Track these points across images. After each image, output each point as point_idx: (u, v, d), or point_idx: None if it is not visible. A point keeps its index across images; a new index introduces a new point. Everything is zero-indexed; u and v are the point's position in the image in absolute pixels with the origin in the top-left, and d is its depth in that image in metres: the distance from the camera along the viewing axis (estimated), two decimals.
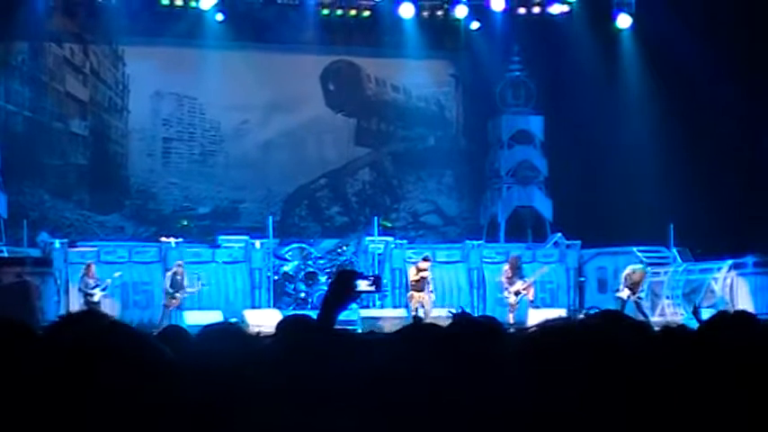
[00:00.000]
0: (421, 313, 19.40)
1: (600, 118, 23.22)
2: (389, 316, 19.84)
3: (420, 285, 19.65)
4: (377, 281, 4.78)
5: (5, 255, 20.39)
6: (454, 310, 14.53)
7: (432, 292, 19.87)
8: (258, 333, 4.73)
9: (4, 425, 3.30)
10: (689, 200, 21.24)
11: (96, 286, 19.26)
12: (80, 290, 19.44)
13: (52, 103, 23.26)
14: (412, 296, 19.64)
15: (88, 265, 19.44)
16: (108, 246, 21.20)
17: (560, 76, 23.38)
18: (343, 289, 4.59)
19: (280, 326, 4.12)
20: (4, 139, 21.89)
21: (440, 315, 18.83)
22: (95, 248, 20.78)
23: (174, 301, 19.52)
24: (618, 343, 2.94)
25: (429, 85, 25.56)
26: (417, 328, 3.95)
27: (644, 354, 3.00)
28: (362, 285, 4.66)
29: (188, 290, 19.78)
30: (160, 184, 23.95)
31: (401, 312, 19.89)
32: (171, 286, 19.54)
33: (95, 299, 19.20)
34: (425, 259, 20.14)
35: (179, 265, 19.86)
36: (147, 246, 21.48)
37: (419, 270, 19.79)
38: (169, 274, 19.78)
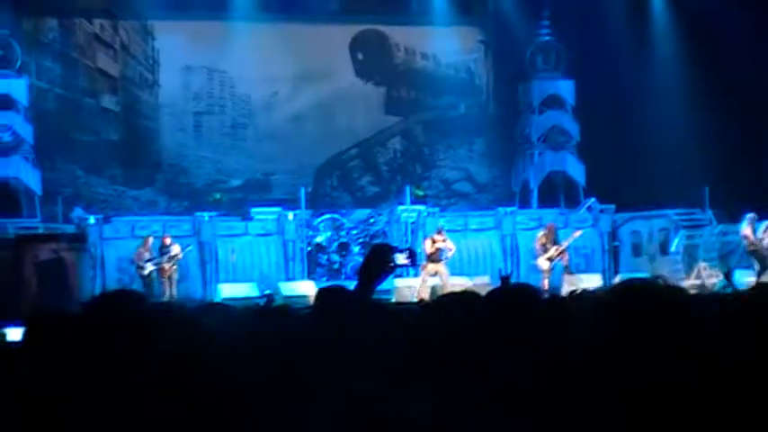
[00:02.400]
0: (431, 282, 19.35)
1: (631, 81, 23.06)
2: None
3: (436, 256, 19.64)
4: (412, 254, 4.79)
5: (41, 231, 20.57)
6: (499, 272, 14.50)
7: (446, 260, 19.81)
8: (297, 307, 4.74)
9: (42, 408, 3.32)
10: (724, 162, 21.10)
11: (150, 260, 19.43)
12: (132, 261, 19.61)
13: (83, 80, 23.34)
14: (425, 266, 19.58)
15: (146, 239, 19.62)
16: (142, 220, 21.32)
17: (590, 40, 23.18)
18: (378, 263, 4.58)
19: (318, 296, 4.12)
20: (37, 116, 22.01)
21: (468, 284, 18.85)
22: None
23: (164, 272, 19.52)
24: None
25: (458, 52, 25.42)
26: (454, 298, 3.94)
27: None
28: (398, 259, 4.67)
29: (179, 255, 19.71)
30: (192, 158, 24.02)
31: (435, 281, 19.89)
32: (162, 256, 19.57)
33: (146, 272, 19.37)
34: (439, 231, 20.14)
35: (165, 237, 19.84)
36: (180, 219, 21.57)
37: (434, 242, 19.80)
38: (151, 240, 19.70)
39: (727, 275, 18.04)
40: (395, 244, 21.84)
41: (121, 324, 3.68)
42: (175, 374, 3.36)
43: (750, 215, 18.60)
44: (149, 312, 3.81)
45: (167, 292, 19.28)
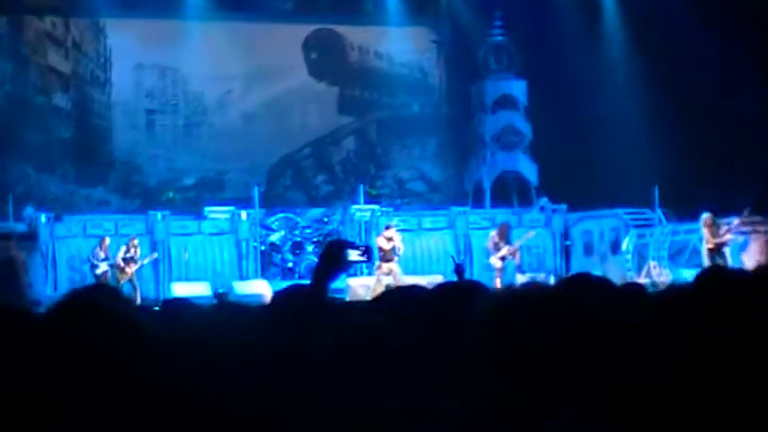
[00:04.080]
0: (386, 281, 19.29)
1: (583, 81, 23.22)
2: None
3: (390, 255, 19.57)
4: (367, 251, 4.81)
5: None
6: (452, 258, 14.50)
7: (398, 258, 19.74)
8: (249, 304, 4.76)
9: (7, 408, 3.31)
10: (674, 161, 21.31)
11: (105, 260, 19.32)
12: (88, 260, 19.51)
13: (34, 77, 23.15)
14: (380, 266, 19.53)
15: (103, 239, 19.52)
16: (94, 219, 21.18)
17: (543, 40, 23.32)
18: (333, 259, 4.61)
19: (276, 296, 4.16)
20: None
21: (422, 282, 18.89)
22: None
23: (124, 274, 19.44)
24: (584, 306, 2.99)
25: (411, 51, 25.51)
26: (402, 292, 3.99)
27: (606, 313, 3.05)
28: (353, 255, 4.68)
29: (140, 261, 19.68)
30: (144, 157, 23.90)
31: (389, 279, 19.93)
32: (123, 259, 19.47)
33: (98, 271, 19.27)
34: (388, 227, 20.09)
35: (132, 239, 19.77)
36: (133, 218, 21.45)
37: (388, 239, 19.77)
38: (123, 247, 19.64)
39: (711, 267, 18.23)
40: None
41: (91, 324, 3.67)
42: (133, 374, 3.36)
43: (705, 215, 18.77)
44: (120, 312, 3.82)
45: (133, 294, 19.11)
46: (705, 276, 3.58)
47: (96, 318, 3.74)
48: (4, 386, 3.36)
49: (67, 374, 3.32)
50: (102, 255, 19.42)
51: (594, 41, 23.99)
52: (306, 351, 3.39)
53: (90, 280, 19.31)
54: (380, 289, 19.28)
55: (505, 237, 20.52)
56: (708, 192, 19.90)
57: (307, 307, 4.02)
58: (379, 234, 20.46)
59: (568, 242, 23.09)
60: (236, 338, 3.61)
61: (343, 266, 4.73)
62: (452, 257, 15.05)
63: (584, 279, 4.11)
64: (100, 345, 3.52)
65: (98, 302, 3.86)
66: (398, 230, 20.19)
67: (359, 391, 3.08)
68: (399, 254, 19.86)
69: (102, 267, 19.33)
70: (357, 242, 18.98)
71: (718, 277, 3.54)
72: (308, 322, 3.77)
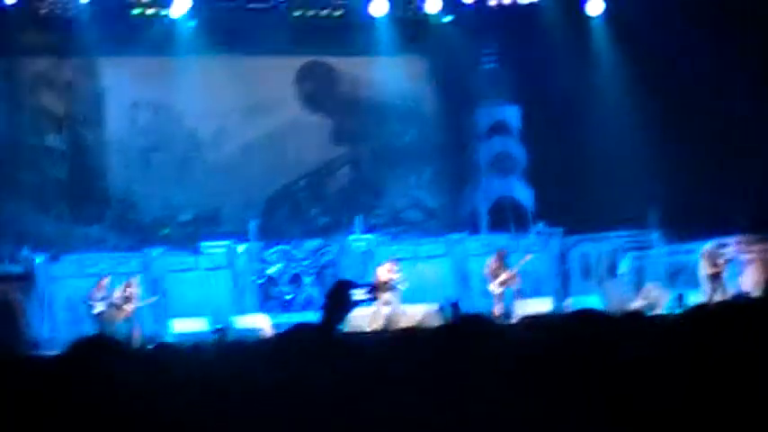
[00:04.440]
0: (384, 311, 19.15)
1: (576, 105, 23.29)
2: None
3: (390, 285, 19.57)
4: (373, 289, 4.86)
5: None
6: (441, 307, 14.46)
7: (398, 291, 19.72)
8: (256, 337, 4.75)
9: None
10: (670, 183, 21.32)
11: (103, 299, 19.26)
12: (85, 300, 19.45)
13: (28, 119, 23.15)
14: (379, 295, 19.45)
15: (101, 279, 19.48)
16: (91, 257, 21.13)
17: (535, 65, 23.40)
18: (340, 299, 4.63)
19: (283, 333, 4.14)
20: None
21: (420, 312, 18.87)
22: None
23: (122, 312, 19.38)
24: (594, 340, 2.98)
25: (404, 80, 25.53)
26: (411, 332, 3.98)
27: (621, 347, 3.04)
28: (359, 294, 4.73)
29: (141, 303, 19.64)
30: (140, 194, 23.87)
31: (386, 309, 19.88)
32: (121, 299, 19.43)
33: (96, 311, 19.21)
34: (392, 261, 20.11)
35: (132, 279, 19.75)
36: (129, 256, 21.41)
37: (389, 271, 19.75)
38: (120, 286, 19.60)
39: (680, 299, 18.27)
40: (350, 277, 21.82)
41: (95, 374, 3.68)
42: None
43: (707, 246, 18.83)
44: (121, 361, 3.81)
45: (131, 333, 19.02)
46: (691, 314, 3.62)
47: (97, 368, 3.75)
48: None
49: (73, 418, 3.32)
50: (99, 295, 19.36)
51: (586, 65, 24.05)
52: (311, 386, 3.40)
53: (87, 320, 19.26)
54: (380, 319, 19.25)
55: (503, 263, 20.51)
56: (706, 210, 19.92)
57: (314, 343, 4.02)
58: (380, 264, 20.41)
59: (566, 266, 23.05)
60: (239, 374, 3.61)
61: (349, 306, 4.78)
62: (443, 302, 14.98)
63: (587, 314, 4.11)
64: (102, 390, 3.53)
65: (98, 356, 3.87)
66: (399, 269, 20.14)
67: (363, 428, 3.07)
68: (401, 288, 19.78)
69: (99, 307, 19.27)
70: (360, 279, 18.96)
71: (703, 314, 3.57)
72: (315, 358, 3.76)
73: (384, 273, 19.79)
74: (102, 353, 3.96)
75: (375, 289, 13.70)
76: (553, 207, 23.07)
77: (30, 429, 3.40)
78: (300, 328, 4.22)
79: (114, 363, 3.82)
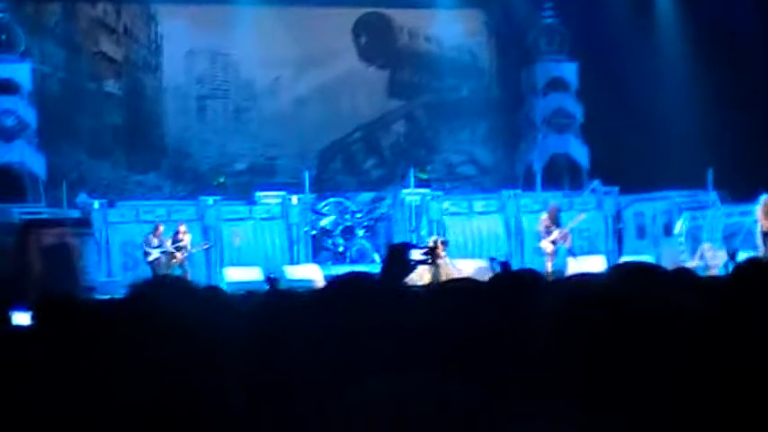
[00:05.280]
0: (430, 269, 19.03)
1: (635, 63, 23.01)
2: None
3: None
4: (430, 251, 4.87)
5: (46, 216, 20.59)
6: (492, 261, 14.46)
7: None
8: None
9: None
10: (728, 143, 21.06)
11: (159, 246, 19.45)
12: (141, 246, 19.65)
13: (86, 64, 23.33)
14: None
15: (157, 226, 19.65)
16: (146, 205, 21.34)
17: (594, 22, 23.13)
18: (398, 261, 4.62)
19: (334, 283, 4.12)
20: (40, 101, 21.99)
21: (471, 267, 18.86)
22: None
23: (175, 259, 19.54)
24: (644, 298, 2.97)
25: (461, 34, 25.38)
26: (458, 284, 3.98)
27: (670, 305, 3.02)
28: (415, 255, 4.72)
29: (191, 249, 19.77)
30: (196, 143, 24.02)
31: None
32: (174, 246, 19.57)
33: (151, 258, 19.40)
34: (443, 242, 19.97)
35: (180, 224, 19.87)
36: (184, 204, 21.59)
37: (436, 247, 19.66)
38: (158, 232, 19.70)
39: (733, 256, 18.06)
40: (402, 231, 21.87)
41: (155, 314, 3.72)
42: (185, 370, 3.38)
43: (765, 197, 18.53)
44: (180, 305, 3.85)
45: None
46: (742, 269, 3.58)
47: (157, 310, 3.79)
48: (67, 375, 3.40)
49: (132, 360, 3.36)
50: (155, 242, 19.54)
51: (646, 22, 23.74)
52: (361, 335, 3.40)
53: (143, 266, 19.49)
54: (428, 276, 19.26)
55: (555, 220, 20.43)
56: (764, 172, 19.65)
57: (365, 292, 4.02)
58: (433, 237, 20.40)
59: (620, 225, 22.92)
60: (291, 322, 3.64)
61: (407, 267, 4.77)
62: (493, 259, 14.98)
63: (633, 267, 4.09)
64: (160, 333, 3.57)
65: (164, 294, 3.92)
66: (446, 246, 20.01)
67: (412, 382, 3.07)
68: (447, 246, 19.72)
69: (155, 254, 19.46)
70: (412, 233, 18.87)
71: (754, 271, 3.53)
72: (369, 311, 3.76)
73: (432, 243, 19.67)
74: (163, 293, 4.00)
75: (433, 250, 13.68)
76: (609, 165, 22.91)
77: (90, 372, 3.41)
78: (353, 276, 4.21)
79: (172, 305, 3.84)
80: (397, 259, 4.65)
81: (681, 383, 2.63)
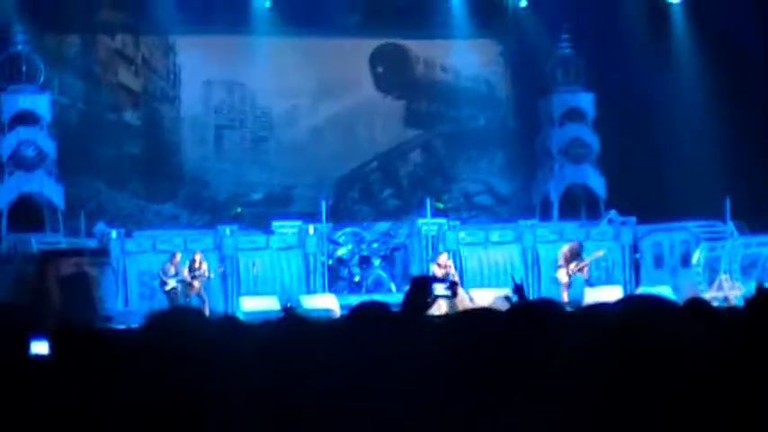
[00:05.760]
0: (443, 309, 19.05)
1: (651, 93, 23.02)
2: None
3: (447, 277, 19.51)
4: (452, 285, 4.92)
5: (64, 246, 20.66)
6: (509, 292, 14.38)
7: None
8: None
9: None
10: (745, 173, 21.02)
11: (175, 275, 19.49)
12: (158, 275, 19.70)
13: (105, 95, 23.48)
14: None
15: (174, 254, 19.71)
16: (164, 234, 21.39)
17: (610, 52, 23.15)
18: (420, 294, 4.63)
19: (354, 312, 4.12)
20: (59, 131, 22.11)
21: (487, 297, 18.82)
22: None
23: (193, 289, 19.58)
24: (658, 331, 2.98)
25: (477, 65, 25.44)
26: (478, 315, 3.98)
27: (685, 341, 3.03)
28: (438, 290, 4.76)
29: (208, 274, 19.80)
30: (213, 172, 24.11)
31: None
32: (191, 275, 19.60)
33: (168, 287, 19.44)
34: (441, 255, 20.18)
35: (196, 253, 19.91)
36: (202, 233, 21.63)
37: (440, 266, 19.73)
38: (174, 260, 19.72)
39: (761, 287, 17.94)
40: (418, 261, 21.85)
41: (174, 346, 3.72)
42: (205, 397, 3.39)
43: None
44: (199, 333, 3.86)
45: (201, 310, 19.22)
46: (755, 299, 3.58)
47: (178, 339, 3.80)
48: (89, 404, 3.42)
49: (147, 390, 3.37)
50: (172, 270, 19.58)
51: (662, 53, 23.75)
52: (379, 364, 3.43)
53: (160, 295, 19.53)
54: (444, 307, 19.20)
55: (577, 255, 20.44)
56: None
57: (383, 321, 4.02)
58: (433, 261, 20.41)
59: (638, 255, 22.83)
60: (308, 351, 3.67)
61: (429, 302, 4.80)
62: (512, 277, 14.94)
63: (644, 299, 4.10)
64: (176, 363, 3.58)
65: (180, 324, 3.92)
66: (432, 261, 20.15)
67: (436, 410, 3.07)
68: (455, 279, 19.68)
69: (171, 283, 19.50)
70: (429, 264, 18.82)
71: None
72: (385, 336, 3.76)
73: (437, 269, 19.69)
74: (178, 325, 4.00)
75: (456, 285, 13.59)
76: (625, 195, 22.87)
77: (105, 401, 3.40)
78: (370, 306, 4.21)
79: (188, 335, 3.85)
80: (420, 292, 4.67)
81: (690, 414, 2.64)
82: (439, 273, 19.54)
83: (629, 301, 4.20)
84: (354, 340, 3.83)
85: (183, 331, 3.92)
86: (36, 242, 20.46)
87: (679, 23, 24.14)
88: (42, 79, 21.86)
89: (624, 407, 2.76)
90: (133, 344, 4.00)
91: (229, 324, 4.28)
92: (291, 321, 4.60)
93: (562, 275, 20.22)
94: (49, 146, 21.66)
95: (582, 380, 2.89)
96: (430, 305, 4.77)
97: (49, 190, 21.57)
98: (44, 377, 3.75)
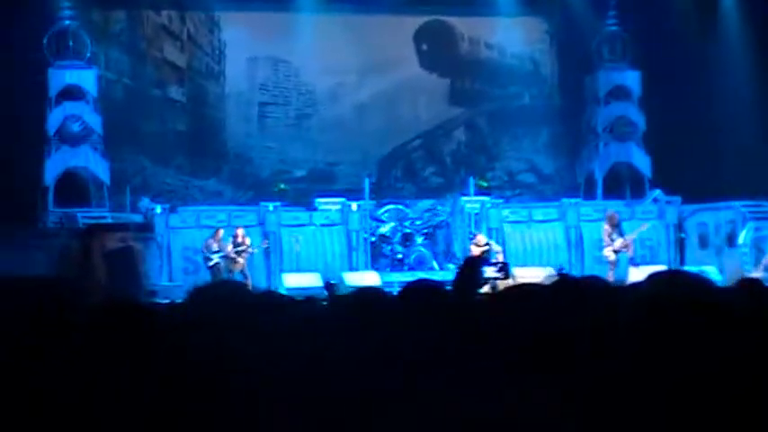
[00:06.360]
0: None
1: (698, 71, 22.78)
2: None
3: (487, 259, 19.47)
4: (504, 267, 4.91)
5: (109, 221, 20.83)
6: (553, 271, 14.42)
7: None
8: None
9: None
10: None
11: (218, 251, 19.59)
12: (201, 251, 19.82)
13: (151, 71, 23.58)
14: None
15: (216, 230, 19.80)
16: (207, 210, 21.49)
17: (657, 29, 22.93)
18: (470, 276, 4.63)
19: (406, 290, 4.12)
20: (105, 107, 22.25)
21: (531, 276, 18.74)
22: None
23: (236, 264, 19.65)
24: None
25: (523, 42, 25.29)
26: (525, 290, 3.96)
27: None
28: (489, 272, 4.79)
29: (251, 249, 19.87)
30: (257, 149, 24.17)
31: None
32: (235, 251, 19.66)
33: (211, 263, 19.55)
34: (475, 236, 20.25)
35: (238, 229, 19.97)
36: (245, 209, 21.71)
37: (478, 246, 19.69)
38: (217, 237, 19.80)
39: None
40: (461, 238, 21.82)
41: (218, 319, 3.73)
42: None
43: None
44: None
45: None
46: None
47: (216, 314, 3.81)
48: (129, 380, 3.43)
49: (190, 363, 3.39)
50: (215, 246, 19.68)
51: (710, 30, 23.47)
52: (423, 341, 3.41)
53: (204, 271, 19.63)
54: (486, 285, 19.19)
55: (616, 226, 20.31)
56: None
57: (430, 299, 4.01)
58: (472, 241, 20.39)
59: (683, 235, 22.65)
60: (350, 328, 3.66)
61: (479, 284, 4.80)
62: (558, 269, 14.94)
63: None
64: (219, 337, 3.59)
65: (223, 297, 3.94)
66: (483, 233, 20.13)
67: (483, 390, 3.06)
68: (498, 257, 19.60)
69: (215, 259, 19.61)
70: (492, 258, 18.84)
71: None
72: (440, 318, 3.75)
73: (475, 249, 19.65)
74: (220, 299, 4.01)
75: (507, 266, 13.49)
76: (671, 174, 22.70)
77: (150, 375, 3.43)
78: (418, 284, 4.19)
79: (230, 310, 3.84)
80: (469, 275, 4.66)
81: (736, 392, 2.62)
82: (477, 252, 19.50)
83: (658, 277, 4.18)
84: (408, 318, 3.82)
85: (226, 304, 3.93)
86: (82, 217, 20.64)
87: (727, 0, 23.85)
88: (89, 55, 21.98)
89: (666, 383, 2.75)
90: (177, 316, 4.01)
91: (272, 299, 4.28)
92: (341, 298, 4.60)
93: (609, 253, 20.14)
94: (95, 121, 21.79)
95: (625, 355, 2.87)
96: (480, 287, 4.77)
97: (95, 165, 21.72)
98: (87, 350, 3.77)
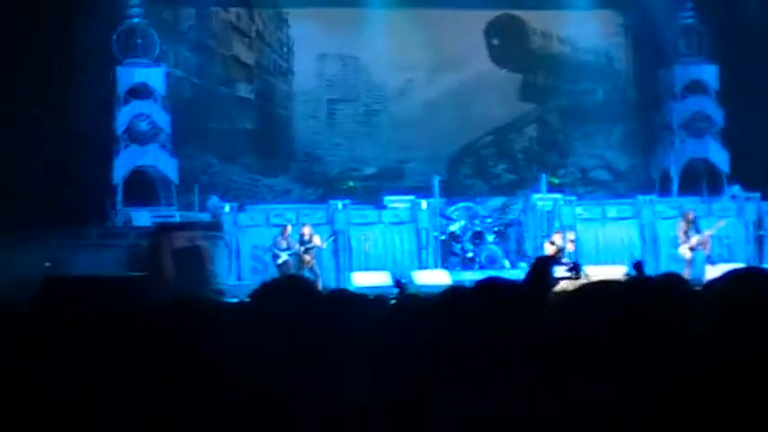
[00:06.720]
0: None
1: None
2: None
3: (559, 257, 19.20)
4: (575, 267, 4.76)
5: (178, 219, 20.86)
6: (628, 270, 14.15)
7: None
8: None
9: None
10: None
11: (287, 249, 19.52)
12: (270, 249, 19.77)
13: (219, 68, 23.60)
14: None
15: (284, 228, 19.75)
16: (276, 208, 21.45)
17: (735, 22, 22.53)
18: (540, 276, 4.58)
19: (480, 286, 3.96)
20: (173, 104, 22.29)
21: (605, 275, 18.43)
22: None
23: (306, 263, 19.53)
24: None
25: (597, 36, 24.92)
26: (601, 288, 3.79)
27: None
28: (560, 272, 4.67)
29: (323, 244, 19.76)
30: (325, 146, 24.08)
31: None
32: (303, 249, 19.57)
33: (280, 261, 19.48)
34: (557, 233, 20.06)
35: (304, 226, 19.88)
36: (314, 208, 21.63)
37: (553, 244, 19.45)
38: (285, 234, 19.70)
39: None
40: (532, 236, 21.55)
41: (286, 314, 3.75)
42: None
43: None
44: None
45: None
46: None
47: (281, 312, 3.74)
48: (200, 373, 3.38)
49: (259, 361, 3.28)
50: (284, 244, 19.62)
51: None
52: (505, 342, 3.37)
53: (272, 269, 19.55)
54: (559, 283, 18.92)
55: (692, 224, 19.94)
56: None
57: (507, 299, 3.91)
58: (547, 239, 20.12)
59: (762, 232, 22.23)
60: (421, 327, 3.60)
61: (549, 284, 4.70)
62: (637, 263, 14.68)
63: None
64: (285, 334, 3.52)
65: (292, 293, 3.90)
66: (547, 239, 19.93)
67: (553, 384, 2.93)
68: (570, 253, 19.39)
69: (284, 257, 19.53)
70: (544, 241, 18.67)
71: None
72: (509, 315, 3.65)
73: (549, 247, 19.42)
74: (290, 296, 4.01)
75: (578, 266, 13.36)
76: (750, 171, 22.28)
77: (220, 371, 3.42)
78: (496, 281, 4.02)
79: (298, 306, 3.78)
80: (542, 274, 4.53)
81: None
82: (550, 250, 19.22)
83: (735, 275, 3.99)
84: (481, 315, 3.69)
85: (295, 300, 3.86)
86: (151, 216, 20.68)
87: None
88: (157, 53, 22.02)
89: (741, 383, 2.65)
90: (244, 316, 4.00)
91: (342, 297, 4.18)
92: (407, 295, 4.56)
93: (684, 251, 19.76)
94: (163, 119, 21.82)
95: (700, 355, 2.78)
96: (552, 286, 4.63)
97: (164, 164, 21.75)
98: (156, 348, 3.71)
